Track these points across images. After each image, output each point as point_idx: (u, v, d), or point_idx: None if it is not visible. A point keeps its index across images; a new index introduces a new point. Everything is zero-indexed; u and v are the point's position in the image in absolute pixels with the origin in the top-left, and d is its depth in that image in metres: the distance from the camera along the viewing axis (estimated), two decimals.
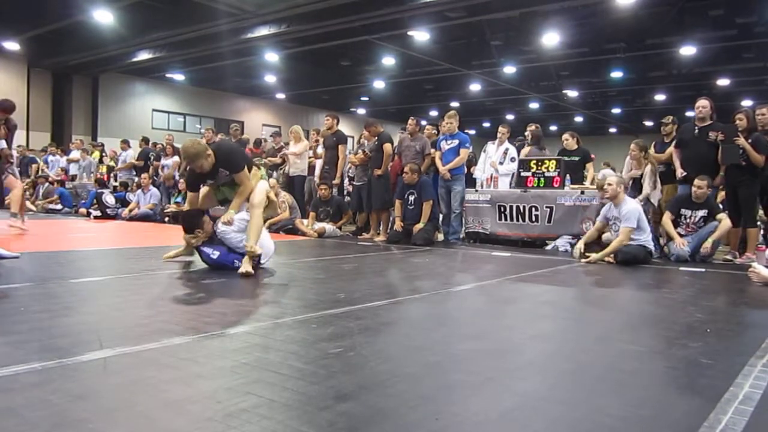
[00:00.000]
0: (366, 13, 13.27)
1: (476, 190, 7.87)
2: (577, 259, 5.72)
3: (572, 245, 6.63)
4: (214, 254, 4.34)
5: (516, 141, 9.16)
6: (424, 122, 9.12)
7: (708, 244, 5.77)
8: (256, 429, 1.47)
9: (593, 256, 5.64)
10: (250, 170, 4.47)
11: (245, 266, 4.11)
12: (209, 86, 23.32)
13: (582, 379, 2.02)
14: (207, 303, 3.25)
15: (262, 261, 4.46)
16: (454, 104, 24.40)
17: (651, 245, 5.75)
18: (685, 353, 2.38)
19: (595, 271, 5.17)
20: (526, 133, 8.74)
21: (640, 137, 7.62)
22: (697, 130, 6.32)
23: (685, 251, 5.83)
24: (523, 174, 7.41)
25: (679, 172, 6.44)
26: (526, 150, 8.28)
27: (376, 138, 7.95)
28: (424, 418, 1.58)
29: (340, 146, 8.59)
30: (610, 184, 5.80)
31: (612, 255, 5.58)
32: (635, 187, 6.76)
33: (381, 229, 7.96)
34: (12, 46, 16.97)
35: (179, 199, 10.06)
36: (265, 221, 4.71)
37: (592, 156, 8.18)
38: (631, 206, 5.69)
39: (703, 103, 6.32)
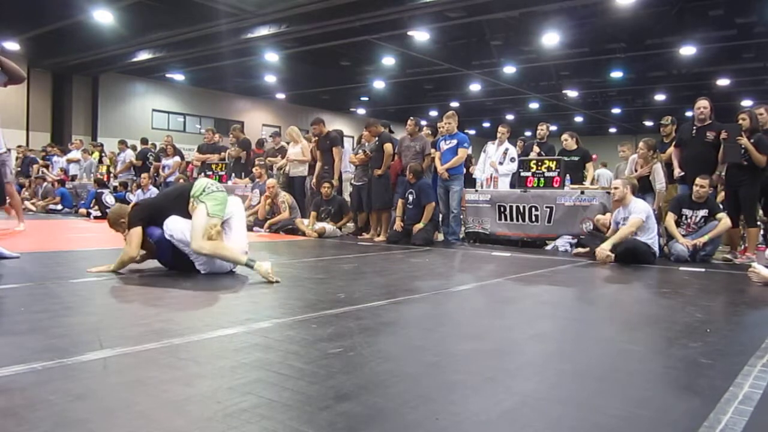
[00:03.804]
0: (366, 13, 13.28)
1: (476, 190, 7.87)
2: (602, 260, 5.57)
3: (572, 245, 6.64)
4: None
5: (520, 139, 9.15)
6: (423, 122, 9.12)
7: (704, 239, 5.77)
8: (256, 429, 1.47)
9: (603, 246, 5.60)
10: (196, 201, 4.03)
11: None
12: (209, 86, 23.34)
13: (582, 379, 2.02)
14: (207, 303, 3.25)
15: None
16: (454, 104, 24.42)
17: (656, 246, 5.76)
18: (685, 353, 2.38)
19: (595, 271, 5.17)
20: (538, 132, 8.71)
21: (640, 137, 7.62)
22: (695, 130, 6.33)
23: (686, 251, 5.83)
24: (523, 174, 7.42)
25: (677, 172, 6.45)
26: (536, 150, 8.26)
27: (377, 138, 7.95)
28: (424, 418, 1.58)
29: (334, 149, 8.52)
30: (616, 187, 5.82)
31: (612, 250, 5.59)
32: (641, 187, 6.71)
33: (381, 229, 7.96)
34: (12, 46, 16.96)
35: None
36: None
37: (593, 156, 8.18)
38: (640, 204, 5.76)
39: (703, 104, 6.32)
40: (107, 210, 10.75)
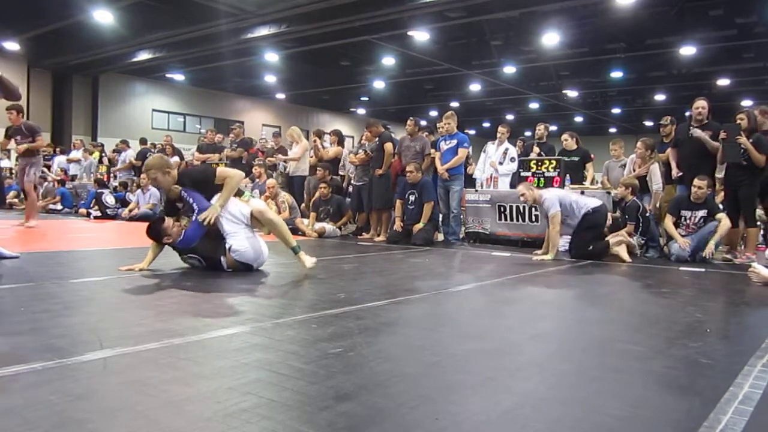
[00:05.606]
0: (366, 13, 13.28)
1: (476, 190, 7.87)
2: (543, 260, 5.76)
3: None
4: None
5: (520, 139, 9.11)
6: (423, 122, 9.11)
7: (711, 247, 5.76)
8: (256, 429, 1.47)
9: (543, 256, 5.81)
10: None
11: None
12: (209, 86, 23.34)
13: (582, 379, 2.02)
14: (207, 303, 3.25)
15: (254, 266, 4.42)
16: (454, 104, 24.41)
17: (604, 203, 5.99)
18: (685, 353, 2.38)
19: (595, 272, 5.18)
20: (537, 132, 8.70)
21: (640, 137, 7.62)
22: (691, 130, 6.34)
23: (686, 252, 5.83)
24: (523, 174, 7.42)
25: (675, 173, 6.45)
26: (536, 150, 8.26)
27: (377, 138, 7.95)
28: (424, 418, 1.58)
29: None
30: (522, 194, 6.00)
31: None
32: (640, 186, 6.69)
33: (381, 229, 7.96)
34: (12, 46, 16.97)
35: None
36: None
37: (592, 156, 8.19)
38: (547, 195, 5.86)
39: (702, 104, 6.33)
40: (107, 210, 10.82)
